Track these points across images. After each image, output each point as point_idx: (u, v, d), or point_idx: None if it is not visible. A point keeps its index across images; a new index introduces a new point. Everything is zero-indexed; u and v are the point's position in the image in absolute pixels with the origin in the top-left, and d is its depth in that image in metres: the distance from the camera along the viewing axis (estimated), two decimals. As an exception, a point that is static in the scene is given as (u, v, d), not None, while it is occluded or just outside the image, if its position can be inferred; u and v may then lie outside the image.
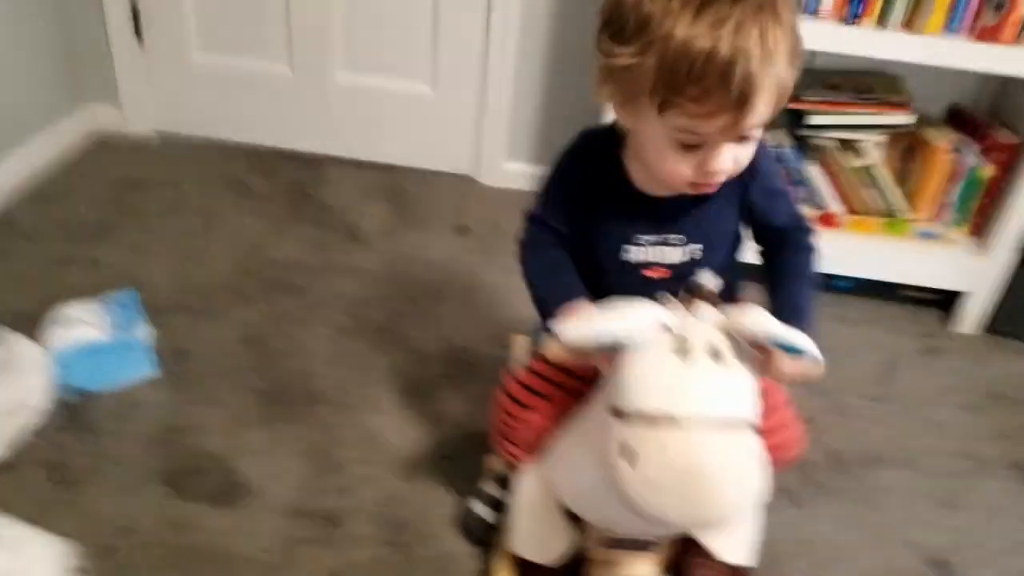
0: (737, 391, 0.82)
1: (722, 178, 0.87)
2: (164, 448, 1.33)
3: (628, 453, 0.81)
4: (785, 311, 0.90)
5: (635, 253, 0.98)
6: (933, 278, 1.76)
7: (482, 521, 1.20)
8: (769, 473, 1.09)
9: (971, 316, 1.79)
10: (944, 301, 1.84)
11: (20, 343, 1.33)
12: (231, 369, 1.50)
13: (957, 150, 1.71)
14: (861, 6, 1.52)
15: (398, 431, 1.40)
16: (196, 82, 2.14)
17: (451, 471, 1.33)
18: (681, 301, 0.88)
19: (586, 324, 0.83)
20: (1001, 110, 1.78)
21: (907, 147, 1.79)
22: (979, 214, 1.74)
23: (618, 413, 0.83)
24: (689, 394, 0.80)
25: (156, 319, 1.54)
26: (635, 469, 0.81)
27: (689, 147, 0.83)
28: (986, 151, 1.70)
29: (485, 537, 1.20)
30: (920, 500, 1.40)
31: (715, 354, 0.82)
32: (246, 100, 2.15)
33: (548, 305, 0.95)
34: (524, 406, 1.05)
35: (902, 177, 1.81)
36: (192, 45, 2.09)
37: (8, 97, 1.88)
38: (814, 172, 1.74)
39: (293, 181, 2.08)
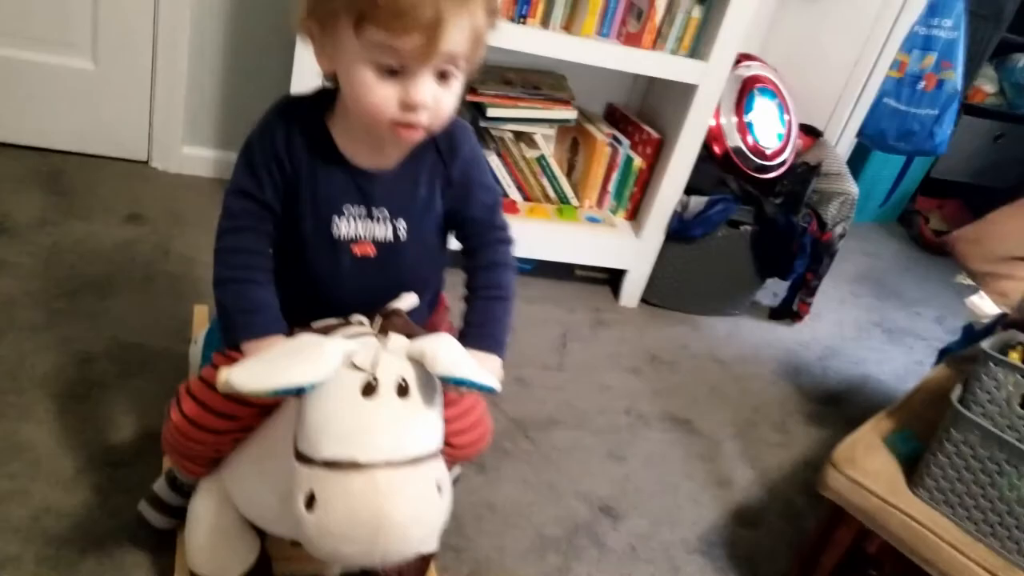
0: (423, 427, 0.80)
1: (424, 118, 0.83)
2: None
3: (311, 500, 0.76)
4: (476, 335, 0.92)
5: (342, 227, 0.92)
6: (599, 258, 1.97)
7: (152, 528, 1.10)
8: (454, 461, 1.14)
9: (631, 291, 2.02)
10: (612, 280, 2.06)
11: None
12: None
13: (613, 144, 1.92)
14: (527, 7, 1.65)
15: (55, 440, 1.25)
16: None
17: (122, 478, 1.21)
18: (375, 325, 0.87)
19: (264, 373, 0.76)
20: (648, 108, 2.04)
21: (573, 141, 1.98)
22: (634, 201, 1.98)
23: (302, 458, 0.78)
24: (375, 438, 0.77)
25: None
26: (317, 516, 0.76)
27: (390, 73, 0.80)
28: (636, 145, 1.94)
29: (164, 524, 1.11)
30: (591, 455, 1.56)
31: (402, 390, 0.79)
32: None
33: (231, 323, 0.89)
34: (199, 426, 0.94)
35: (570, 168, 2.00)
36: None
37: None
38: (494, 162, 1.85)
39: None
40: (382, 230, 0.93)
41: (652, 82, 1.99)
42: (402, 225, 0.93)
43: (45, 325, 1.45)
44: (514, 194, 1.90)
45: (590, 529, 1.40)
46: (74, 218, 1.75)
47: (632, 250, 1.95)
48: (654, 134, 1.90)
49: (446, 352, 0.79)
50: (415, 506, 0.77)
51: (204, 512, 1.00)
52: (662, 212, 1.90)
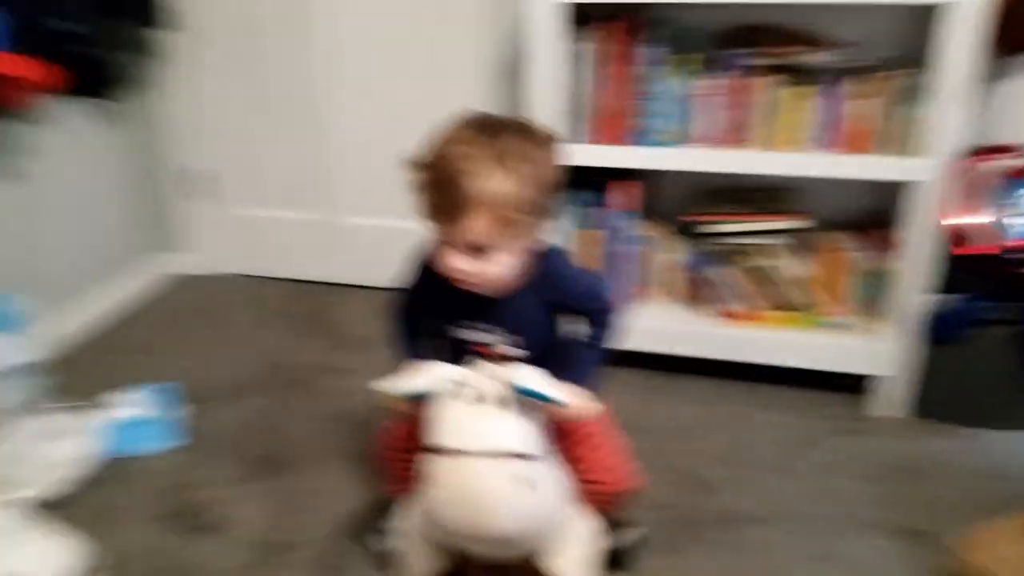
0: (512, 431, 1.10)
1: (469, 279, 1.14)
2: (175, 496, 1.73)
3: (432, 480, 1.10)
4: (566, 370, 1.20)
5: (461, 334, 1.27)
6: (840, 363, 1.95)
7: (380, 552, 1.50)
8: (598, 503, 1.36)
9: (885, 399, 1.94)
10: (855, 386, 1.99)
11: (83, 415, 1.80)
12: (236, 442, 1.90)
13: (853, 248, 1.94)
14: (741, 132, 1.84)
15: (355, 489, 1.73)
16: (239, 230, 2.74)
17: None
18: (485, 362, 1.20)
19: (398, 382, 1.16)
20: (893, 213, 2.01)
21: (812, 250, 2.04)
22: (880, 304, 1.94)
23: (428, 449, 1.13)
24: (468, 430, 1.09)
25: (192, 405, 1.99)
26: (434, 492, 1.09)
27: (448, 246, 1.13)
28: (878, 248, 1.93)
29: (388, 564, 1.50)
30: (797, 556, 1.56)
31: (499, 401, 1.11)
32: (281, 243, 2.72)
33: (397, 354, 1.32)
34: (398, 457, 1.35)
35: (812, 278, 2.05)
36: (237, 201, 2.70)
37: (98, 246, 2.50)
38: (728, 274, 2.01)
39: (313, 304, 2.57)
40: (490, 337, 1.25)
41: (894, 188, 1.98)
42: (506, 332, 1.24)
43: (372, 413, 2.00)
44: (754, 304, 2.01)
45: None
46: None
47: (880, 354, 1.91)
48: (894, 236, 1.89)
49: (524, 374, 1.11)
50: (502, 489, 1.05)
51: (408, 526, 1.37)
52: (905, 313, 1.85)
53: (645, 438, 1.41)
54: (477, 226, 1.09)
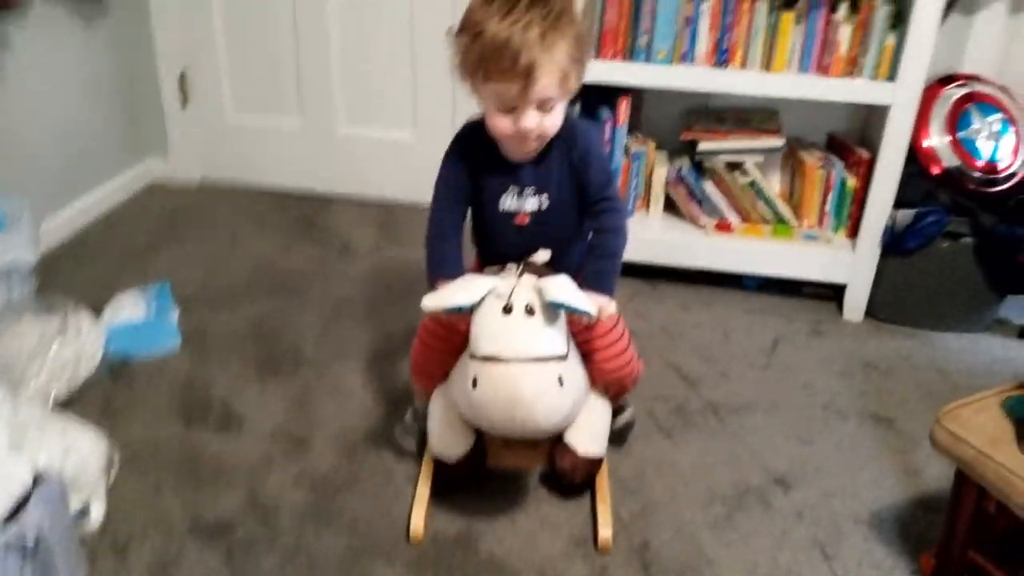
0: (544, 337, 1.21)
1: (534, 135, 1.24)
2: (182, 395, 1.77)
3: (474, 382, 1.21)
4: (589, 281, 1.31)
5: (506, 202, 1.36)
6: (814, 272, 2.12)
7: (407, 430, 1.62)
8: (611, 387, 1.49)
9: (853, 306, 2.12)
10: (838, 297, 2.18)
11: (82, 316, 1.79)
12: (238, 343, 1.94)
13: (826, 166, 2.09)
14: (727, 54, 1.94)
15: (360, 385, 1.82)
16: (227, 137, 2.69)
17: (398, 413, 1.72)
18: (517, 270, 1.30)
19: (438, 297, 1.25)
20: (864, 135, 2.16)
21: (791, 168, 2.18)
22: (853, 219, 2.11)
23: (470, 355, 1.24)
24: (508, 340, 1.19)
25: (185, 309, 2.02)
26: (477, 393, 1.20)
27: (506, 110, 1.22)
28: (851, 167, 2.08)
29: (413, 445, 1.61)
30: (777, 436, 1.73)
31: (529, 311, 1.21)
32: (268, 151, 2.68)
33: (429, 268, 1.37)
34: (427, 344, 1.45)
35: (791, 193, 2.20)
36: (226, 107, 2.64)
37: (86, 151, 2.43)
38: (710, 188, 2.13)
39: (302, 214, 2.57)
40: (531, 203, 1.36)
41: (868, 110, 2.12)
42: (544, 198, 1.36)
43: (367, 313, 2.07)
44: (731, 217, 2.15)
45: (760, 492, 1.58)
46: (395, 245, 2.40)
47: (848, 264, 2.08)
48: (865, 155, 2.04)
49: (554, 285, 1.20)
50: (538, 388, 1.17)
51: (435, 411, 1.48)
52: (874, 227, 2.01)
53: (633, 340, 1.54)
54: (546, 83, 1.19)
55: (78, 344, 1.73)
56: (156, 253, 2.32)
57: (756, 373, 1.93)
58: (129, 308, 1.92)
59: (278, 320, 2.04)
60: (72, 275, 2.18)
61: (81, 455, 1.46)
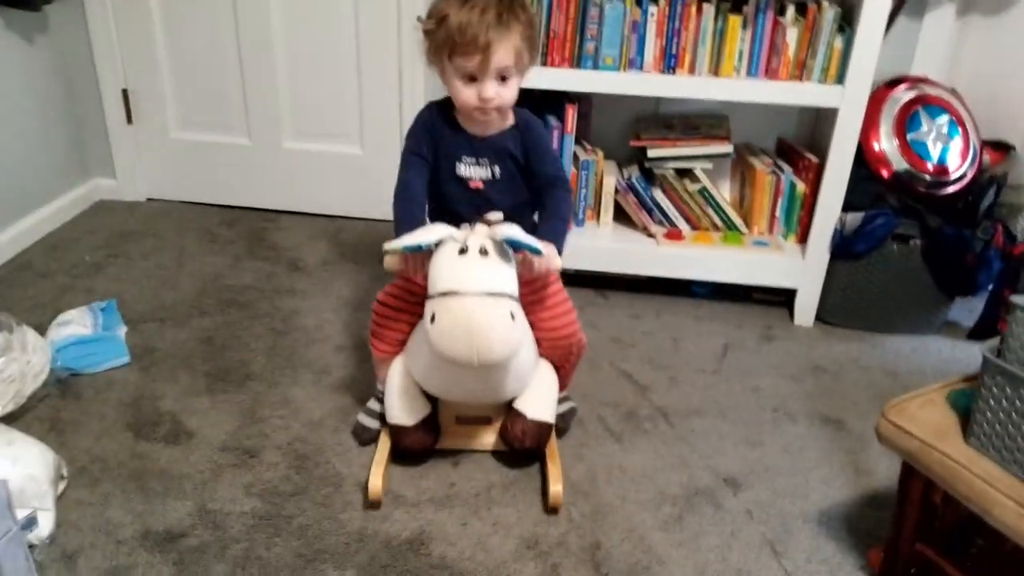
0: (496, 274, 1.31)
1: (493, 104, 1.38)
2: (131, 409, 1.73)
3: (432, 317, 1.28)
4: (541, 232, 1.43)
5: (462, 169, 1.49)
6: (763, 278, 2.13)
7: (370, 413, 1.68)
8: (557, 353, 1.61)
9: (804, 310, 2.15)
10: (788, 302, 2.20)
11: (27, 332, 1.75)
12: (187, 359, 1.90)
13: (775, 172, 2.12)
14: (674, 59, 1.97)
15: (310, 397, 1.79)
16: (172, 155, 2.66)
17: (346, 422, 1.71)
18: (473, 223, 1.39)
19: (400, 240, 1.33)
20: (813, 139, 2.20)
21: (740, 175, 2.21)
22: (803, 225, 2.13)
23: (428, 294, 1.32)
24: (464, 276, 1.29)
25: (133, 326, 1.98)
26: (436, 326, 1.28)
27: (468, 80, 1.37)
28: (800, 172, 2.11)
29: (377, 425, 1.65)
30: (726, 440, 1.73)
31: (483, 252, 1.31)
32: (215, 168, 2.65)
33: (397, 225, 1.44)
34: (387, 316, 1.57)
35: (741, 200, 2.22)
36: (171, 125, 2.61)
37: (28, 171, 2.39)
38: (660, 196, 2.15)
39: (252, 229, 2.55)
40: (485, 172, 1.50)
41: (816, 115, 2.16)
42: (497, 169, 1.50)
43: (315, 327, 2.05)
44: (682, 225, 2.17)
45: (711, 494, 1.59)
46: (345, 260, 2.39)
47: (798, 269, 2.10)
48: (813, 159, 2.07)
49: (506, 226, 1.33)
50: (492, 318, 1.28)
51: (393, 379, 1.57)
52: (823, 231, 2.03)
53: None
54: (502, 56, 1.36)
55: (23, 360, 1.69)
56: (103, 271, 2.27)
57: (706, 379, 1.94)
58: (75, 324, 1.87)
59: (227, 335, 2.00)
60: (18, 295, 2.13)
61: (28, 466, 1.43)
